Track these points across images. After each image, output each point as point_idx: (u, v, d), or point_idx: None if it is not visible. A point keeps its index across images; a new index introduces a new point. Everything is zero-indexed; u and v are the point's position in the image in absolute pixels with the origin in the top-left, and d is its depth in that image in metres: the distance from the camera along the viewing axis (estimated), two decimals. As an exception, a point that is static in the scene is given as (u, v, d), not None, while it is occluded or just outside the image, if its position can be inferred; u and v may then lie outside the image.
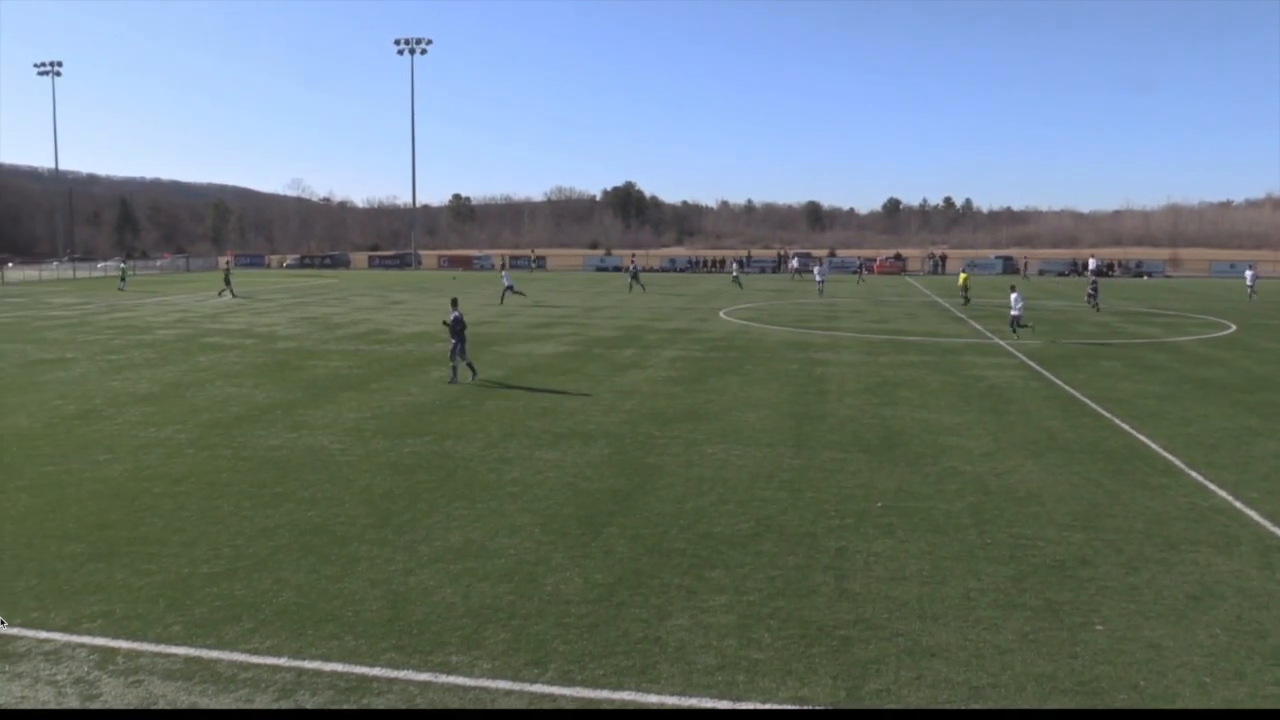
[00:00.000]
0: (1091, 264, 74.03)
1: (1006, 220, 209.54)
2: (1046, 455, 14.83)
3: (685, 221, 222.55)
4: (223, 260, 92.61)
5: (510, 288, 49.43)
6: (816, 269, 60.07)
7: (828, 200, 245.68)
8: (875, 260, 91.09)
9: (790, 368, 24.23)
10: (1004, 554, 10.32)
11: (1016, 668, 7.61)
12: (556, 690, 7.29)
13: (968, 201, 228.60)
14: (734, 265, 75.36)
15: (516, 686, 7.34)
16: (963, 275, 49.48)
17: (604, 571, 9.76)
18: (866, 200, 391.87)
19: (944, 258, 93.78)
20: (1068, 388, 21.16)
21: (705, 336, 31.84)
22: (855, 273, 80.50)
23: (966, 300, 46.56)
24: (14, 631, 8.39)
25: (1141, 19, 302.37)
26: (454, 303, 23.12)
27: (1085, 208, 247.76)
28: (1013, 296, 31.96)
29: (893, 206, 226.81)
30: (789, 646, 7.99)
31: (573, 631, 8.30)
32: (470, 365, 22.16)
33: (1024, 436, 16.16)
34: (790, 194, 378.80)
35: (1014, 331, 31.28)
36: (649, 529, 11.13)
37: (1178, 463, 14.38)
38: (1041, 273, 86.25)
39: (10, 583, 9.51)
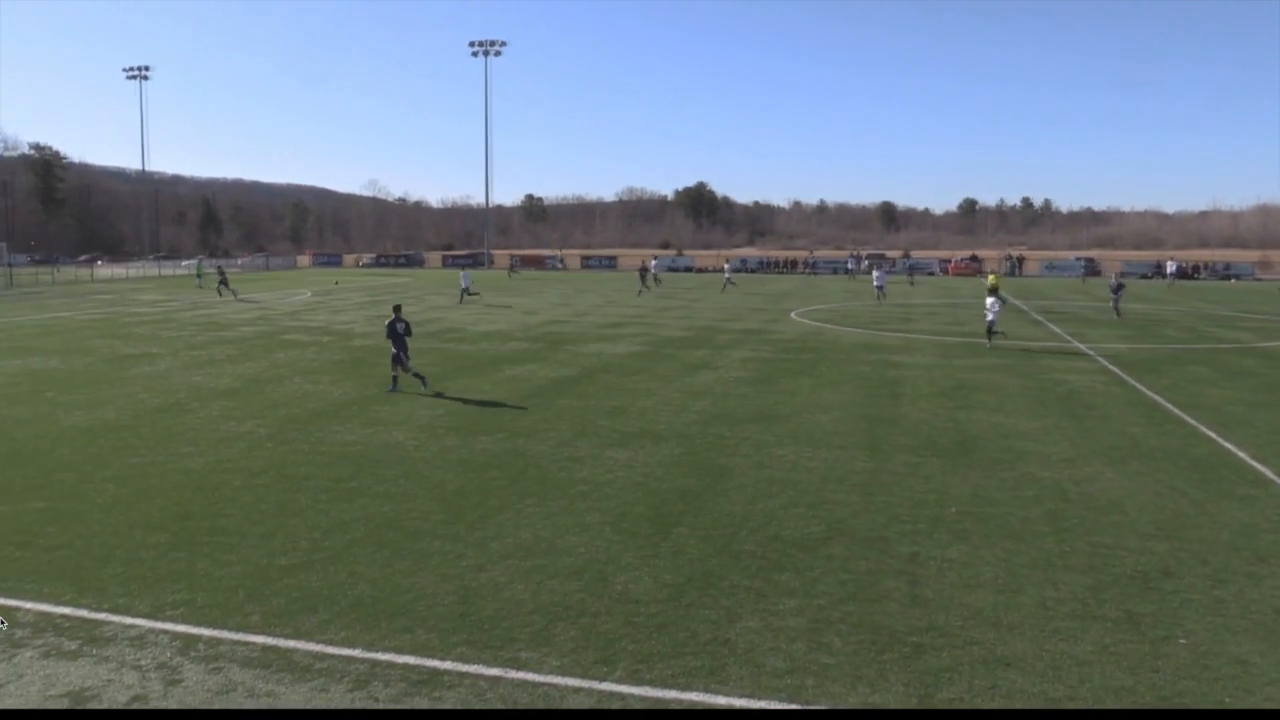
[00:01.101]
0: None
1: (1087, 221, 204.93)
2: (1128, 462, 14.45)
3: (757, 222, 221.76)
4: (207, 260, 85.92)
5: (466, 289, 48.00)
6: (876, 272, 52.99)
7: (902, 200, 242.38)
8: (950, 261, 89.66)
9: (863, 370, 23.97)
10: (1083, 563, 10.08)
11: (1095, 680, 7.43)
12: (624, 689, 7.31)
13: (1046, 202, 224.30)
14: (725, 267, 70.82)
15: (585, 684, 7.37)
16: (991, 277, 45.13)
17: (673, 572, 9.76)
18: (941, 200, 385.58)
19: (1021, 259, 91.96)
20: (1151, 393, 20.60)
21: (777, 338, 31.65)
22: (907, 273, 77.95)
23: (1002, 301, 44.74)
24: (101, 616, 8.68)
25: (1215, 19, 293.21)
26: (396, 309, 21.33)
27: (1170, 208, 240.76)
28: (988, 301, 29.94)
29: (968, 207, 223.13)
30: (859, 652, 7.90)
31: (642, 631, 8.31)
32: (417, 374, 20.58)
33: (1104, 443, 15.76)
34: (864, 194, 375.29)
35: (989, 339, 29.29)
36: (719, 530, 11.10)
37: (1268, 473, 13.90)
38: (1124, 274, 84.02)
39: (98, 570, 9.84)
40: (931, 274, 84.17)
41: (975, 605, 8.91)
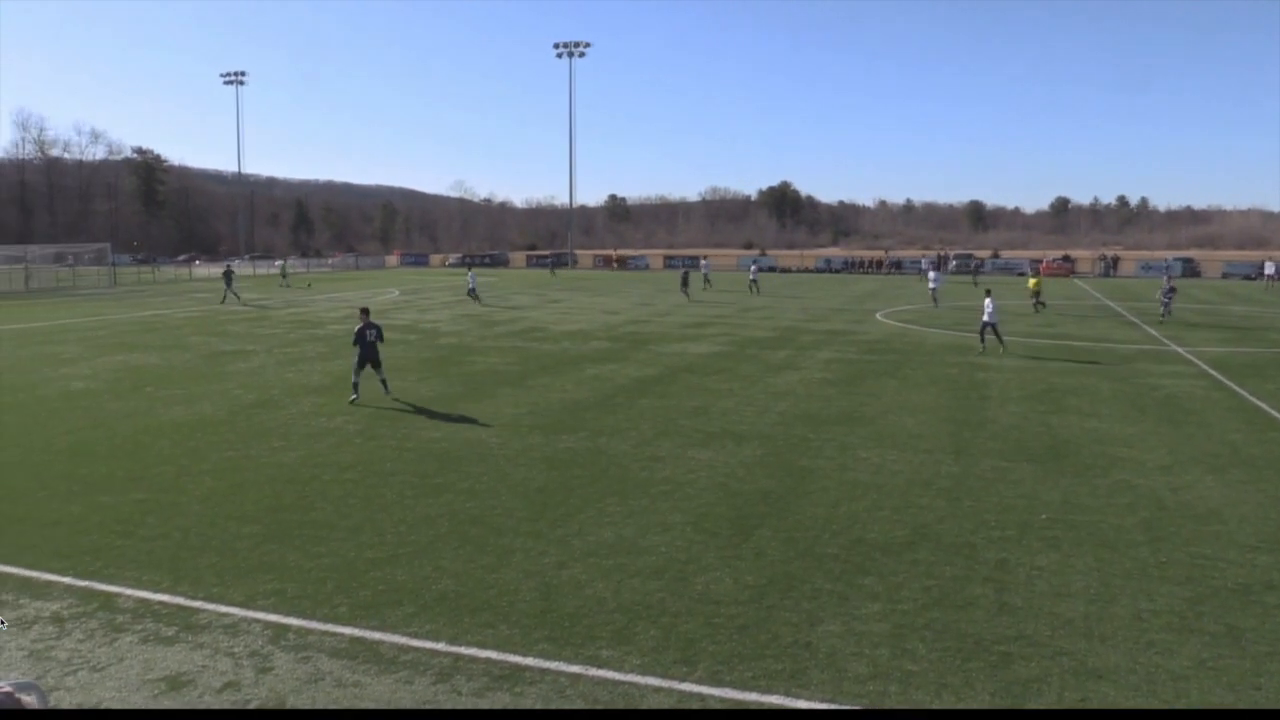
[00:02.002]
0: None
1: (1186, 220, 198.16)
2: (1229, 471, 13.93)
3: (841, 221, 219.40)
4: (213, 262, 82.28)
5: (473, 290, 46.29)
6: (932, 273, 48.54)
7: (991, 199, 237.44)
8: (1041, 262, 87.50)
9: (950, 372, 23.54)
10: (1180, 574, 9.74)
11: (1192, 696, 7.18)
12: (705, 690, 7.29)
13: (1143, 200, 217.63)
14: (703, 265, 66.15)
15: (665, 684, 7.37)
16: (1032, 280, 43.61)
17: (755, 573, 9.71)
18: (1033, 199, 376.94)
19: (1116, 259, 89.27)
20: (1255, 399, 19.83)
21: (861, 339, 31.27)
22: (970, 272, 73.85)
23: (1038, 306, 40.94)
24: (197, 604, 8.96)
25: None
26: (364, 312, 19.83)
27: (1277, 206, 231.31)
28: (986, 302, 27.90)
29: (1061, 205, 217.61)
30: (944, 659, 7.76)
31: (722, 632, 8.28)
32: (384, 381, 19.58)
33: (1204, 450, 15.22)
34: (951, 193, 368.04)
35: (981, 342, 27.62)
36: (801, 532, 11.00)
37: (1379, 483, 13.27)
38: (1225, 276, 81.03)
39: (195, 559, 10.16)
40: (1022, 274, 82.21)
41: (1066, 615, 8.67)
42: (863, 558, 10.17)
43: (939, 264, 74.04)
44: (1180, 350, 28.28)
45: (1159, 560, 10.13)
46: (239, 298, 47.75)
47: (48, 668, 7.62)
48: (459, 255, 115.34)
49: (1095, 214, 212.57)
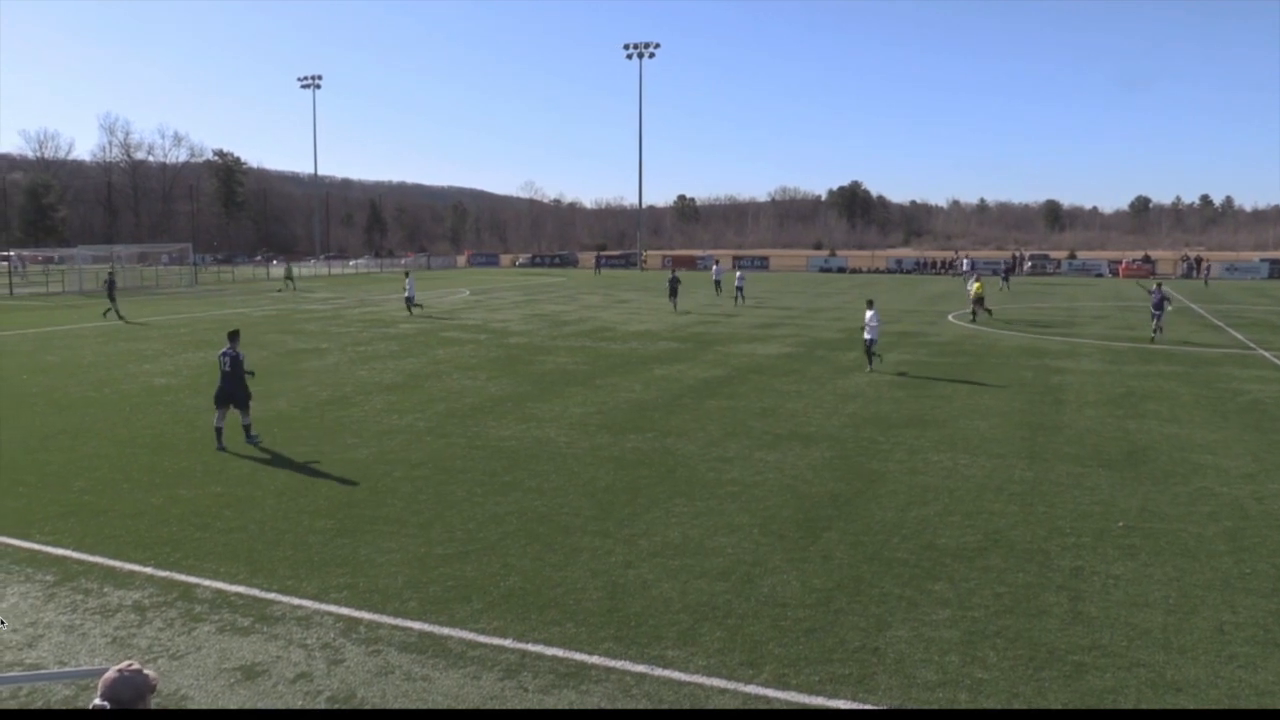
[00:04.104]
0: None
1: (1274, 219, 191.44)
2: (1317, 479, 13.45)
3: (913, 222, 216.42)
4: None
5: (410, 299, 40.97)
6: (970, 279, 43.34)
7: (1068, 199, 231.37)
8: (1120, 263, 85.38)
9: (1024, 375, 23.09)
10: (1265, 586, 9.43)
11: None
12: (770, 693, 7.25)
13: (1228, 199, 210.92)
14: (715, 269, 57.62)
15: (730, 686, 7.35)
16: (975, 284, 38.86)
17: (822, 576, 9.62)
18: (1111, 198, 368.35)
19: (1199, 260, 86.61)
20: (1345, 406, 19.11)
21: (932, 340, 30.83)
22: (1001, 275, 70.08)
23: (975, 314, 37.40)
24: (271, 596, 9.16)
25: None
26: (231, 336, 16.46)
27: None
28: (868, 315, 24.15)
29: (1141, 205, 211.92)
30: (1016, 668, 7.61)
31: (789, 635, 8.23)
32: (246, 427, 15.80)
33: (1291, 457, 14.72)
34: (1026, 192, 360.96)
35: (869, 363, 24.02)
36: (869, 536, 10.88)
37: None
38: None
39: (269, 552, 10.39)
40: (1100, 275, 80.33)
41: (1143, 625, 8.45)
42: (933, 563, 10.02)
43: (978, 265, 71.17)
44: (1266, 355, 27.38)
45: (1242, 571, 9.82)
46: (120, 315, 39.09)
47: (129, 655, 7.85)
48: (528, 255, 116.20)
49: (1177, 213, 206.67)
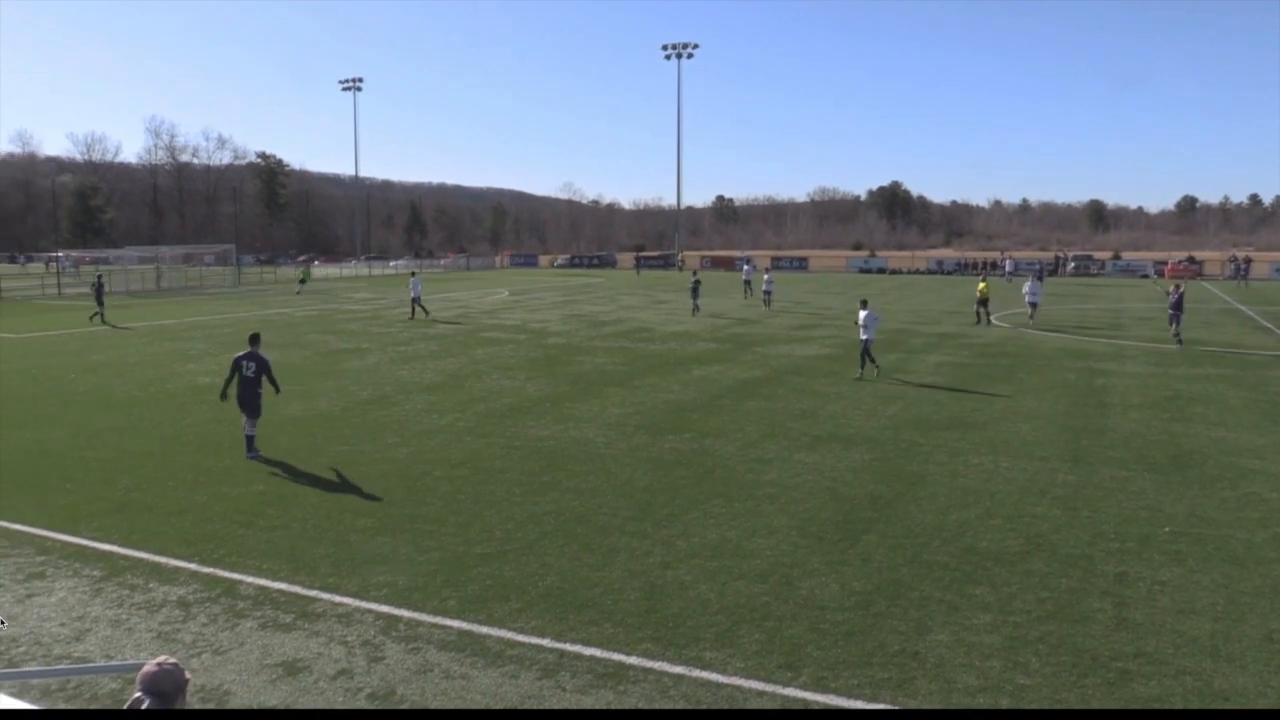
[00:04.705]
0: None
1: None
2: (1371, 485, 13.15)
3: (954, 222, 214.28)
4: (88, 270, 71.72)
5: (417, 299, 39.33)
6: (1028, 284, 38.50)
7: (1112, 198, 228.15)
8: (1166, 263, 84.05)
9: (1067, 377, 22.79)
10: (1316, 593, 9.24)
11: (1329, 721, 6.80)
12: (809, 696, 7.21)
13: (1278, 199, 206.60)
14: (745, 269, 55.11)
15: (768, 688, 7.32)
16: (981, 284, 37.16)
17: (861, 579, 9.56)
18: (1157, 198, 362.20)
19: (1248, 261, 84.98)
20: (1399, 410, 18.67)
21: (974, 342, 30.51)
22: (1004, 275, 66.13)
23: (980, 318, 36.05)
24: (313, 593, 9.26)
25: None
26: (253, 340, 15.46)
27: None
28: (861, 315, 22.80)
29: (1187, 205, 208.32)
30: (1059, 674, 7.51)
31: (828, 638, 8.18)
32: (251, 443, 14.84)
33: (1343, 463, 14.41)
34: (1070, 192, 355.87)
35: (861, 368, 22.73)
36: (909, 539, 10.79)
37: None
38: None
39: (311, 549, 10.50)
40: (1145, 276, 79.15)
41: (1190, 633, 8.31)
42: (974, 567, 9.92)
43: (1036, 269, 68.85)
44: (1318, 357, 26.80)
45: (1293, 578, 9.63)
46: (104, 319, 37.41)
47: (174, 650, 7.96)
48: (567, 256, 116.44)
49: (1225, 213, 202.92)
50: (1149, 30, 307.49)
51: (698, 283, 43.09)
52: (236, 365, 14.97)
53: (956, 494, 12.65)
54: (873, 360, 22.63)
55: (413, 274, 43.21)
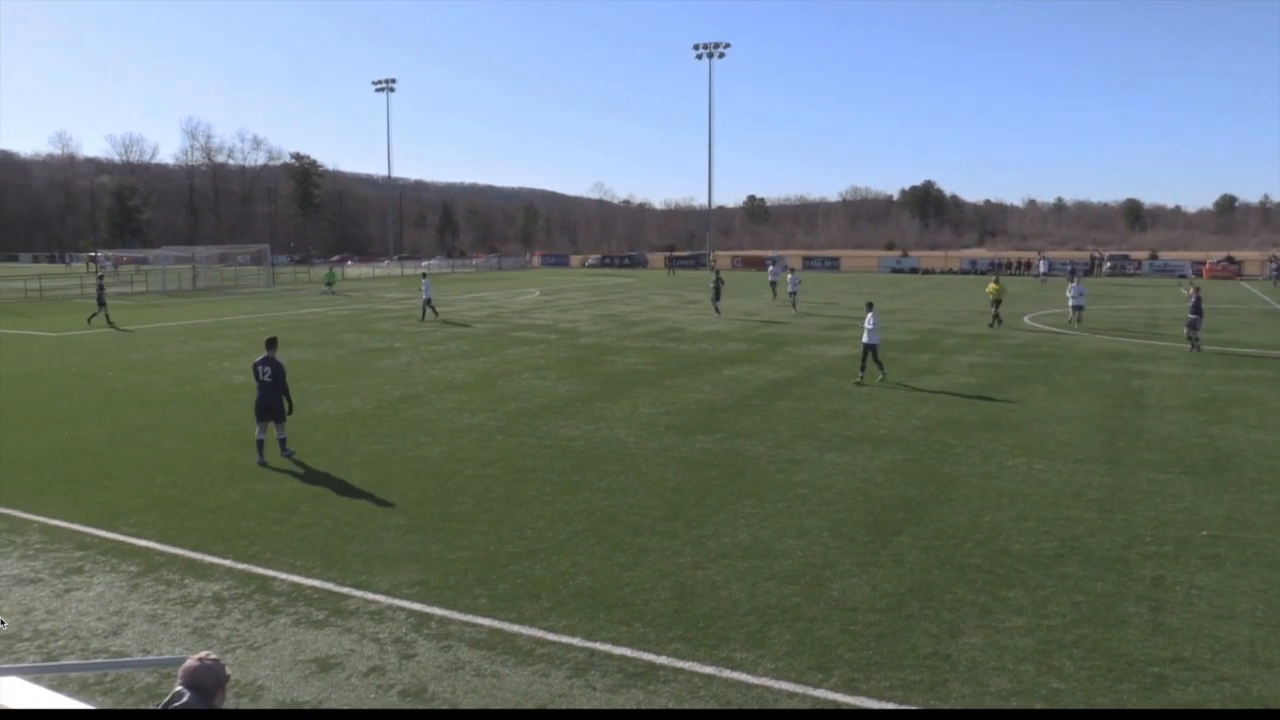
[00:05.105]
0: None
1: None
2: None
3: (988, 221, 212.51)
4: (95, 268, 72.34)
5: (428, 301, 39.02)
6: (1073, 285, 36.54)
7: (1149, 197, 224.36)
8: (1204, 264, 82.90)
9: (1103, 378, 22.54)
10: (1358, 599, 9.07)
11: (1372, 729, 6.68)
12: (839, 697, 7.17)
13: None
14: (771, 270, 53.67)
15: (799, 689, 7.29)
16: (992, 285, 35.86)
17: (893, 581, 9.50)
18: (1195, 197, 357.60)
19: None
20: None
21: (1008, 342, 30.24)
22: (1038, 277, 64.10)
23: (995, 320, 34.93)
24: (345, 590, 9.33)
25: None
26: (270, 344, 14.96)
27: None
28: (868, 318, 22.03)
29: (1226, 204, 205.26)
30: (1094, 679, 7.43)
31: (859, 640, 8.13)
32: (280, 441, 14.77)
33: (1387, 466, 14.14)
34: (1106, 191, 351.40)
35: (861, 371, 21.97)
36: (942, 541, 10.72)
37: None
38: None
39: (343, 547, 10.58)
40: (1183, 276, 78.10)
41: (1228, 638, 8.19)
42: (1007, 569, 9.83)
43: (1079, 269, 66.28)
44: (1361, 359, 26.33)
45: (1334, 583, 9.47)
46: (109, 319, 36.59)
47: (209, 645, 8.04)
48: (598, 256, 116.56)
49: (1265, 212, 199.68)
50: (1186, 27, 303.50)
51: (720, 282, 41.40)
52: (255, 371, 14.78)
53: (990, 496, 12.54)
54: (878, 364, 21.84)
55: (423, 275, 43.33)
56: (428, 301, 39.11)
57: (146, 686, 7.27)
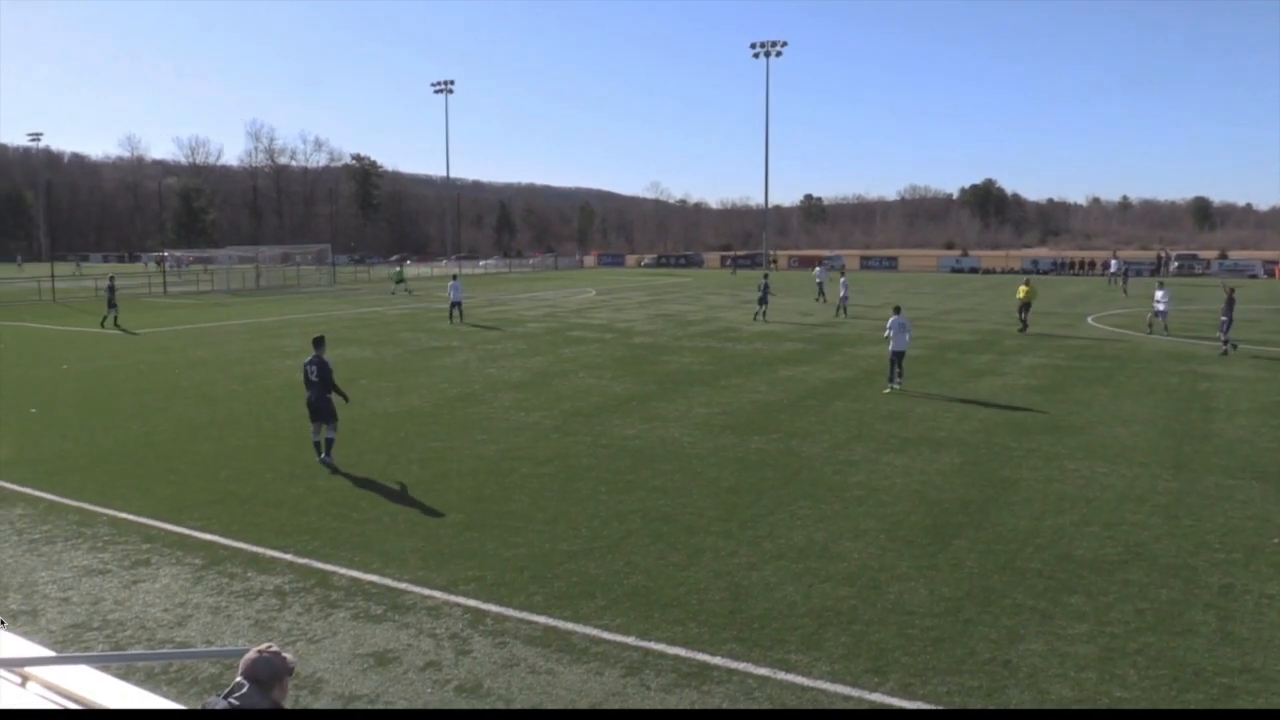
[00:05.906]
0: None
1: None
2: None
3: (1050, 220, 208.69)
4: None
5: (457, 304, 37.32)
6: (1159, 292, 33.05)
7: (1218, 195, 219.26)
8: (1276, 263, 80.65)
9: (1169, 381, 22.03)
10: None
11: None
12: (896, 702, 7.10)
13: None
14: (819, 272, 51.76)
15: (855, 693, 7.23)
16: (1023, 288, 34.43)
17: (951, 585, 9.38)
18: (1267, 194, 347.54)
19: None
20: None
21: (1071, 343, 29.70)
22: (1119, 278, 60.34)
23: (1022, 324, 33.40)
24: (403, 586, 9.44)
25: None
26: (317, 343, 14.77)
27: None
28: (890, 320, 21.17)
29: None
30: (1158, 688, 7.26)
31: (916, 644, 8.04)
32: (326, 441, 14.43)
33: None
34: (1173, 189, 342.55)
35: (892, 378, 20.95)
36: (1001, 545, 10.55)
37: None
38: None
39: (401, 543, 10.71)
40: (1254, 276, 76.10)
41: (1300, 648, 7.95)
42: (1069, 575, 9.65)
43: (1128, 272, 62.61)
44: None
45: None
46: (117, 323, 35.84)
47: (270, 638, 8.18)
48: (653, 256, 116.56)
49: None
50: (1250, 22, 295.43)
51: (767, 285, 39.26)
52: (304, 372, 14.68)
53: (1051, 500, 12.32)
54: (899, 371, 20.81)
55: (453, 277, 41.33)
56: (456, 304, 37.37)
57: (210, 676, 7.42)
